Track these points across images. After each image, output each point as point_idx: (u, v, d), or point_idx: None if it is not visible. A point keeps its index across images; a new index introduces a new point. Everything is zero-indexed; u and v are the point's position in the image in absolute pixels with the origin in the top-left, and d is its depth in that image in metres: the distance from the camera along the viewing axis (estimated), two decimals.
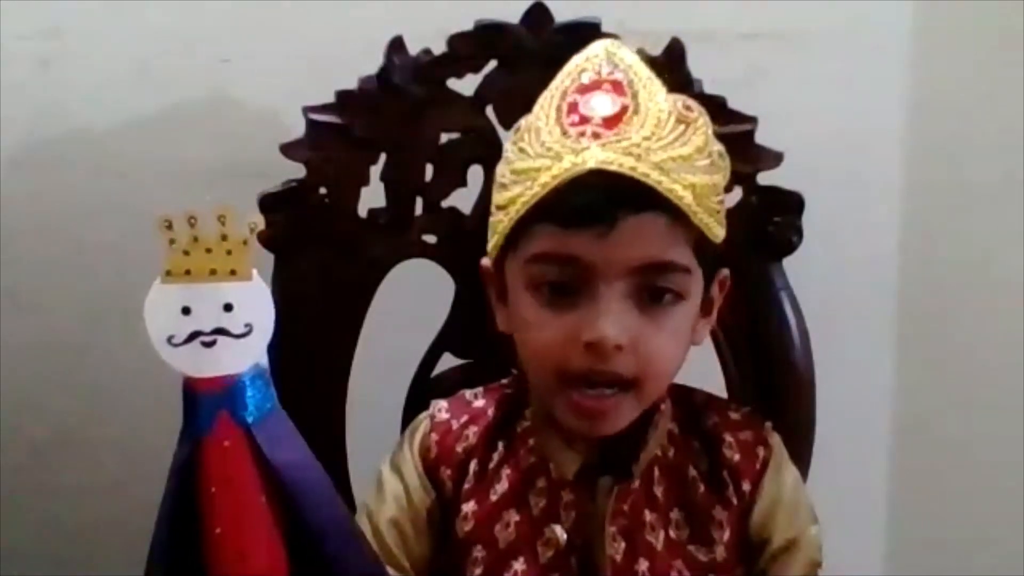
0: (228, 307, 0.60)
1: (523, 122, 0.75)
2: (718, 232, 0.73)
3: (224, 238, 0.60)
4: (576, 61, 0.75)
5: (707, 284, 0.76)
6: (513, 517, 0.78)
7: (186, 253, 0.60)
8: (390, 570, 0.77)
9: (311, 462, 0.64)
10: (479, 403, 0.83)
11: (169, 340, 0.60)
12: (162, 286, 0.60)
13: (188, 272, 0.60)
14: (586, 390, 0.72)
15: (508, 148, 0.76)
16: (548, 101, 0.74)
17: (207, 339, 0.60)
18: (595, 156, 0.69)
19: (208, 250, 0.60)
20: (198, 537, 0.62)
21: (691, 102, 0.74)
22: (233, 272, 0.60)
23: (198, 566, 0.62)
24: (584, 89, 0.72)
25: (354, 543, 0.67)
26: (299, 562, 0.63)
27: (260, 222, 0.60)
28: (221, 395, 0.61)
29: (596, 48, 0.75)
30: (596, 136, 0.70)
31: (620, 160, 0.68)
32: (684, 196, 0.70)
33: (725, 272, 0.79)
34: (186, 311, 0.60)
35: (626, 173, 0.68)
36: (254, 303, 0.60)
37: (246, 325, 0.60)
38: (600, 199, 0.69)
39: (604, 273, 0.70)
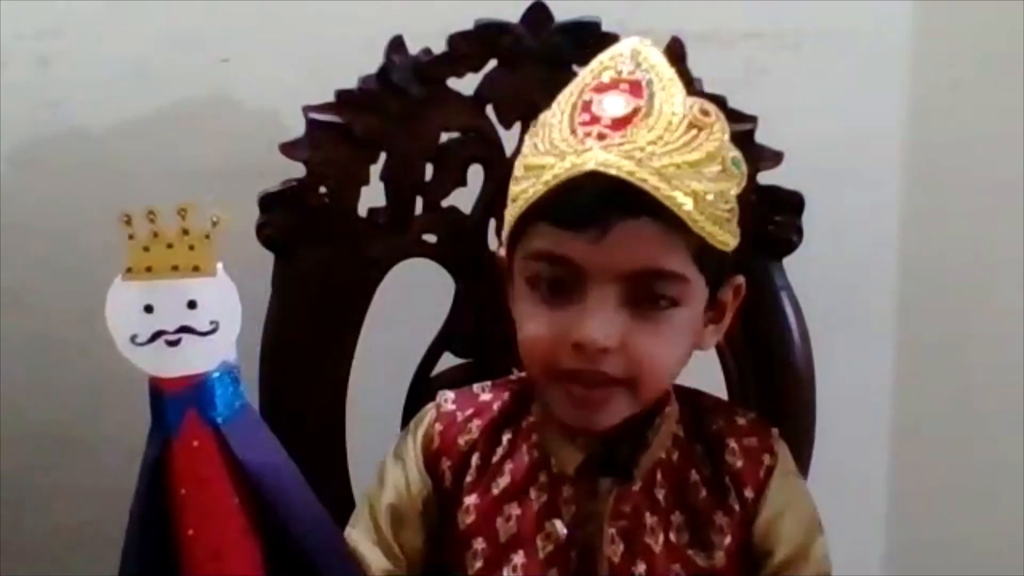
0: (192, 304, 0.58)
1: (541, 117, 0.75)
2: (725, 240, 0.72)
3: (185, 232, 0.58)
4: (601, 58, 0.74)
5: (714, 291, 0.75)
6: (514, 511, 0.78)
7: (146, 249, 0.58)
8: (380, 555, 0.78)
9: (283, 460, 0.63)
10: (486, 397, 0.83)
11: (132, 339, 0.58)
12: (123, 283, 0.58)
13: (149, 269, 0.58)
14: (577, 385, 0.72)
15: (526, 141, 0.75)
16: (566, 97, 0.73)
17: (171, 338, 0.58)
18: (595, 158, 0.68)
19: (169, 245, 0.58)
20: (171, 538, 0.61)
21: (710, 107, 0.72)
22: (196, 268, 0.58)
23: (172, 566, 0.61)
24: (601, 88, 0.72)
25: (331, 541, 0.66)
26: (277, 561, 0.63)
27: (222, 215, 0.58)
28: (188, 395, 0.60)
29: (623, 46, 0.74)
30: (601, 137, 0.69)
31: (619, 163, 0.68)
32: (684, 203, 0.68)
33: (739, 279, 0.78)
34: (148, 309, 0.58)
35: (623, 177, 0.67)
36: (219, 299, 0.58)
37: (212, 322, 0.58)
38: (594, 202, 0.68)
39: (596, 276, 0.70)
